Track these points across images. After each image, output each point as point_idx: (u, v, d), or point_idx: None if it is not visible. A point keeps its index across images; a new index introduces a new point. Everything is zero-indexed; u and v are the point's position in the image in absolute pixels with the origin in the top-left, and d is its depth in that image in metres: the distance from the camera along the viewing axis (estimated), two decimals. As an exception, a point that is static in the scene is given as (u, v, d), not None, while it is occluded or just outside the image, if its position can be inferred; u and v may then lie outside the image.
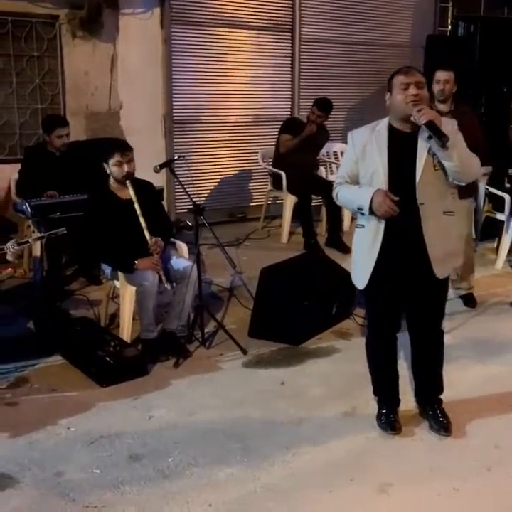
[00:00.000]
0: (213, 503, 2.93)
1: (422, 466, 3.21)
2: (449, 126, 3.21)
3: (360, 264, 3.38)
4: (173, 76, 7.04)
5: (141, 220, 4.32)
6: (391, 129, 3.28)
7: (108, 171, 4.43)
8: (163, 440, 3.43)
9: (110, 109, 6.59)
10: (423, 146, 3.19)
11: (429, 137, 3.13)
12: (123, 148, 4.40)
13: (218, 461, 3.24)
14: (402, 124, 3.25)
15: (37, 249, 5.25)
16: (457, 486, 3.05)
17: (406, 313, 3.52)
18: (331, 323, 4.93)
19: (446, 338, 4.73)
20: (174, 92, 7.09)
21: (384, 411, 3.55)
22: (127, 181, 4.33)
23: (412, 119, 3.15)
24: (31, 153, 5.62)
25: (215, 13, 7.27)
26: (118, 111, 6.63)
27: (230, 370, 4.31)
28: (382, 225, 3.26)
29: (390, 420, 3.51)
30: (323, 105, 6.79)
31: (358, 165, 3.33)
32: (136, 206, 4.33)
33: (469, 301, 5.39)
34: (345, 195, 3.38)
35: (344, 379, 3.74)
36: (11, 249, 3.72)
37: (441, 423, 3.49)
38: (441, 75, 5.10)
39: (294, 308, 4.65)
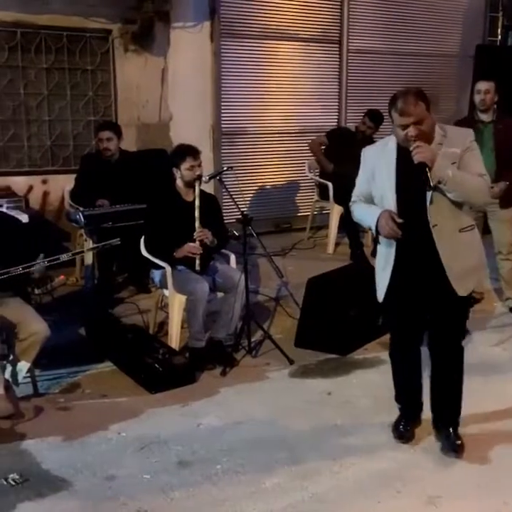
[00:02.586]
0: (261, 511, 2.97)
1: (471, 480, 3.19)
2: (450, 153, 3.10)
3: (379, 278, 3.39)
4: (222, 88, 7.13)
5: (197, 212, 4.44)
6: (400, 148, 3.19)
7: (178, 175, 4.57)
8: (212, 447, 3.48)
9: (160, 120, 6.71)
10: None
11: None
12: (194, 153, 4.55)
13: (266, 469, 3.28)
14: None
15: (89, 258, 5.38)
16: (507, 500, 3.02)
17: (428, 331, 3.46)
18: (377, 334, 4.91)
19: (496, 351, 4.72)
20: (223, 103, 7.18)
21: (400, 419, 3.58)
22: (196, 181, 4.49)
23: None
24: (87, 160, 5.77)
25: (264, 26, 7.34)
26: (168, 122, 6.74)
27: (276, 379, 4.34)
28: (393, 245, 3.25)
29: (400, 429, 3.55)
30: (375, 117, 6.80)
31: (369, 185, 3.34)
32: (197, 201, 4.46)
33: (518, 312, 5.32)
34: (358, 215, 3.43)
35: (391, 390, 3.72)
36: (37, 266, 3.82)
37: (452, 445, 3.37)
38: (481, 85, 5.11)
39: (341, 318, 4.66)
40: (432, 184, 2.99)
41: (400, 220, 3.13)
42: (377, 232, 3.26)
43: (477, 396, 3.74)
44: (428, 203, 3.11)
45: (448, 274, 3.17)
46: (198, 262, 4.40)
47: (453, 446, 3.36)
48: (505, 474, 3.24)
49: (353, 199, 3.47)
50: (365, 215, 3.35)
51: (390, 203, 3.20)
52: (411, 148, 3.03)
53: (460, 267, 3.20)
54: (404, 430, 3.55)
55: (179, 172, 4.56)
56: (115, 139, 5.55)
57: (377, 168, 3.28)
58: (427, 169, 2.97)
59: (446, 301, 3.24)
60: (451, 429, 3.41)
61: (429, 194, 3.10)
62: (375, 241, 6.64)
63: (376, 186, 3.30)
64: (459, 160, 3.12)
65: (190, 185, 4.56)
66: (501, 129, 5.04)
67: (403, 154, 3.12)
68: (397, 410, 3.62)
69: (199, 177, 4.53)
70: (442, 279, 3.18)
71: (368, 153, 3.41)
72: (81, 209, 5.33)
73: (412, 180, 3.06)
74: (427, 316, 3.37)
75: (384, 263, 3.33)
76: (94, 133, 5.67)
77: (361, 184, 3.41)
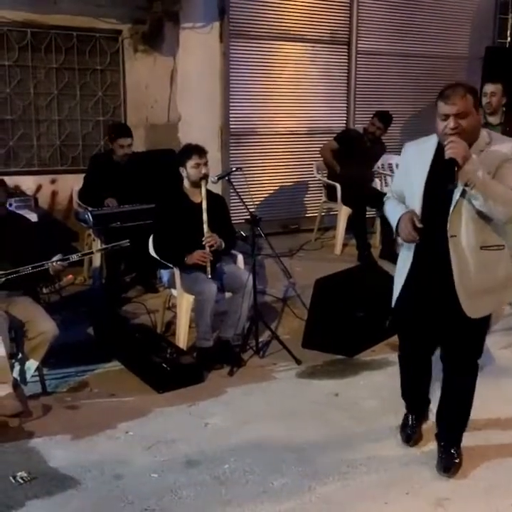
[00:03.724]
0: (269, 511, 2.97)
1: (479, 482, 3.18)
2: (488, 160, 2.89)
3: (395, 280, 3.26)
4: (231, 89, 7.13)
5: (204, 215, 4.44)
6: (439, 148, 2.97)
7: (185, 174, 4.57)
8: (219, 447, 3.49)
9: (169, 121, 6.72)
10: None
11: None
12: (200, 151, 4.55)
13: (273, 470, 3.28)
14: None
15: (97, 258, 5.40)
16: (515, 503, 3.02)
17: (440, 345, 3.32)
18: (385, 335, 4.91)
19: (504, 353, 4.71)
20: (231, 104, 7.18)
21: (407, 419, 3.57)
22: (202, 181, 4.49)
23: None
24: (97, 161, 5.77)
25: (273, 27, 7.34)
26: (176, 123, 6.75)
27: (283, 380, 4.35)
28: (412, 250, 3.11)
29: (407, 431, 3.54)
30: (384, 118, 6.83)
31: (402, 182, 3.21)
32: (204, 203, 4.46)
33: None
34: (386, 212, 3.29)
35: (398, 392, 3.72)
36: (55, 264, 3.83)
37: (448, 463, 3.24)
38: (487, 87, 5.11)
39: (348, 319, 4.66)
40: (455, 182, 2.80)
41: (419, 225, 2.97)
42: (398, 234, 3.11)
43: (486, 399, 3.71)
44: (451, 210, 2.92)
45: (458, 293, 2.98)
46: (208, 269, 4.39)
47: (448, 464, 3.24)
48: (514, 476, 3.24)
49: (387, 195, 3.35)
50: (391, 213, 3.20)
51: (416, 204, 3.04)
52: (445, 143, 2.84)
53: (474, 286, 2.98)
54: (411, 432, 3.54)
55: (185, 171, 4.56)
56: (132, 144, 5.59)
57: (411, 166, 3.12)
58: (456, 167, 2.77)
59: (456, 320, 3.04)
60: (450, 446, 3.28)
61: (454, 200, 2.91)
62: (383, 242, 6.73)
63: (407, 185, 3.14)
64: (496, 170, 2.89)
65: (196, 185, 4.55)
66: (509, 131, 5.02)
67: (441, 154, 2.88)
68: (404, 409, 3.61)
69: (205, 176, 4.52)
70: (453, 297, 2.99)
71: (407, 149, 3.22)
72: (89, 209, 5.35)
73: (443, 182, 2.85)
74: (437, 332, 3.21)
75: (402, 265, 3.19)
76: (113, 136, 5.60)
77: (395, 180, 3.30)
